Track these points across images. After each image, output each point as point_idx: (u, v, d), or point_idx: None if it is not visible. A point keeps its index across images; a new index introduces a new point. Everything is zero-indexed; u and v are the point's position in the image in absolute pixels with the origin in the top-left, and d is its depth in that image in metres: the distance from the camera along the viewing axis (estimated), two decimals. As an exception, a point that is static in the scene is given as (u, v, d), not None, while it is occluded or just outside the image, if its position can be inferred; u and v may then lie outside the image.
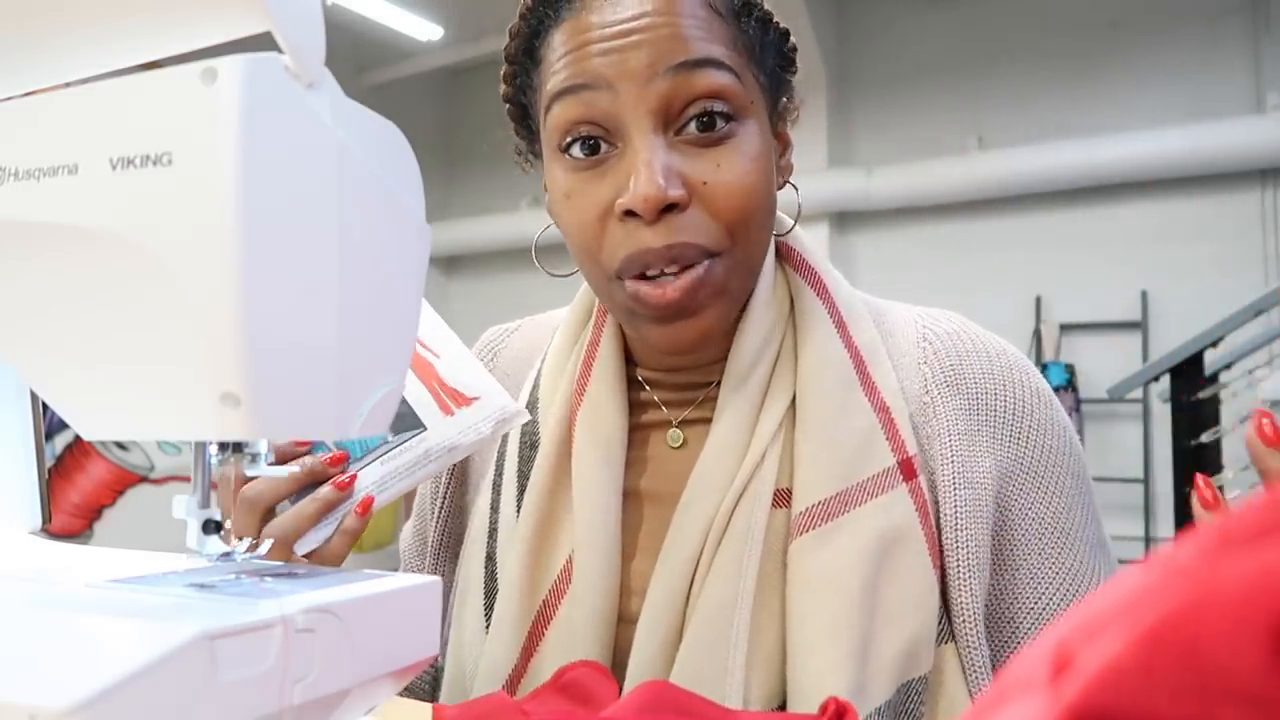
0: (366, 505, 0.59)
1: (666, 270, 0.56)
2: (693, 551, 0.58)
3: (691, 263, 0.56)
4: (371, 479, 0.61)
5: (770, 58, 0.62)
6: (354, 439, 0.60)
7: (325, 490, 0.59)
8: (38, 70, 0.37)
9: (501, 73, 0.65)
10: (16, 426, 0.49)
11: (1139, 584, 0.16)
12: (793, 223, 0.67)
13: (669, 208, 0.55)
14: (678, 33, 0.55)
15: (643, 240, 0.55)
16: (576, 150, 0.58)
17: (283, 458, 0.60)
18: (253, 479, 0.58)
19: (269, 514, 0.59)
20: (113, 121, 0.32)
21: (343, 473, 0.60)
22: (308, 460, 0.59)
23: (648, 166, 0.54)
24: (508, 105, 0.67)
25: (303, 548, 0.58)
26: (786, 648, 0.55)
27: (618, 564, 0.60)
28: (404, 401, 0.62)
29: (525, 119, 0.66)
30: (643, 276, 0.57)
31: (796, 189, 0.67)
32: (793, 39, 0.64)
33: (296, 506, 0.58)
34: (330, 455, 0.60)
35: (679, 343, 0.59)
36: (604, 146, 0.57)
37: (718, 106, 0.56)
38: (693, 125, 0.56)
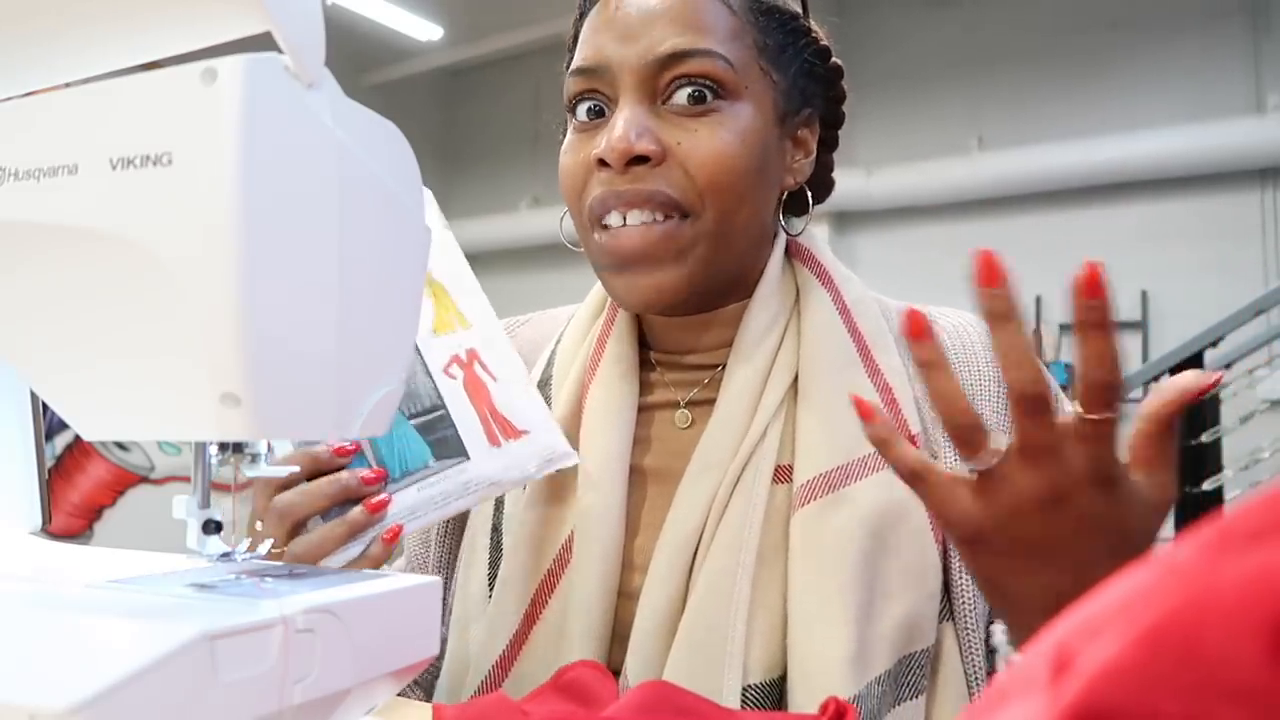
0: (395, 534, 0.58)
1: (629, 216, 0.60)
2: (694, 527, 0.59)
3: (658, 211, 0.59)
4: (405, 505, 0.58)
5: (795, 64, 0.64)
6: (395, 454, 0.60)
7: (356, 513, 0.57)
8: (38, 70, 0.37)
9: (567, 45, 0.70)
10: (16, 426, 0.49)
11: (1139, 583, 0.16)
12: (803, 225, 0.69)
13: (640, 160, 0.59)
14: (676, 25, 0.60)
15: (610, 184, 0.60)
16: (582, 112, 0.63)
17: (322, 468, 0.58)
18: (315, 470, 0.58)
19: (299, 527, 0.57)
20: (113, 121, 0.32)
21: (377, 493, 0.58)
22: (344, 476, 0.57)
23: (625, 123, 0.59)
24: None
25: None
26: (788, 617, 0.56)
27: (620, 537, 0.61)
28: (452, 424, 0.60)
29: None
30: (604, 227, 0.61)
31: (808, 189, 0.69)
32: (835, 60, 0.67)
33: (325, 527, 0.56)
34: (366, 474, 0.58)
35: (636, 295, 0.61)
36: (606, 111, 0.63)
37: (706, 83, 0.60)
38: (683, 96, 0.60)
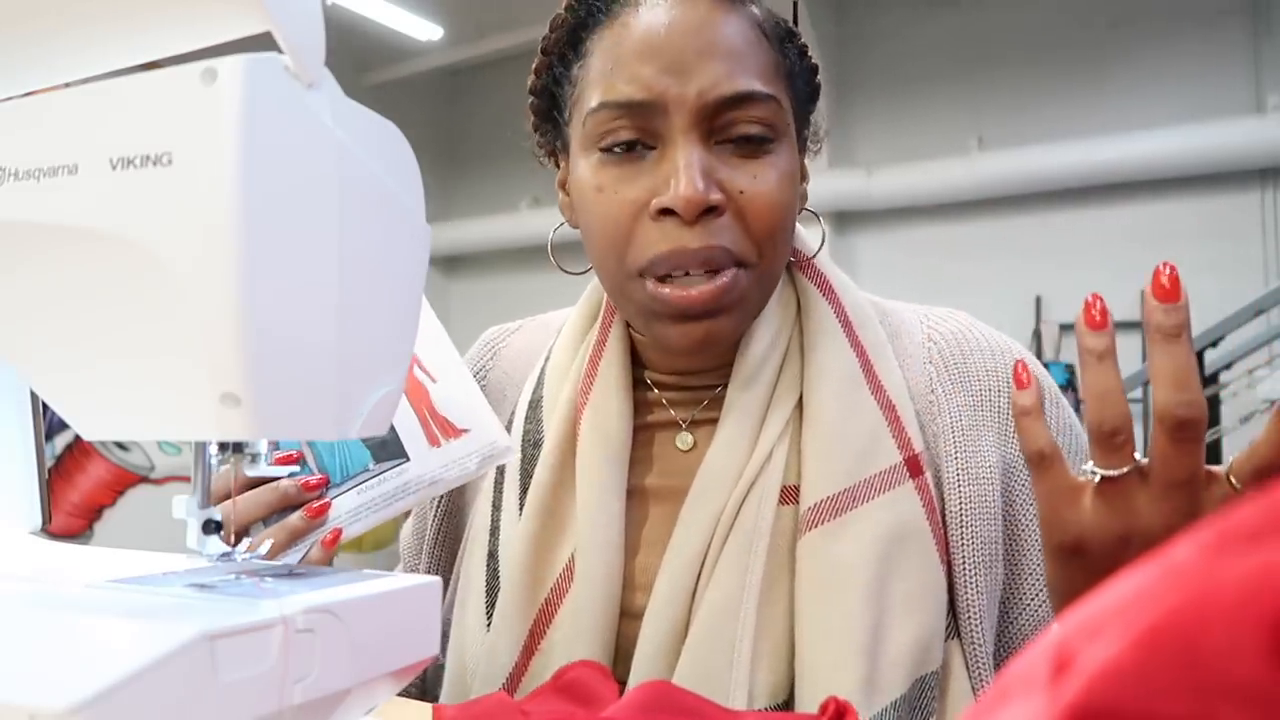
0: (335, 538, 0.58)
1: (692, 272, 0.57)
2: (700, 547, 0.58)
3: (720, 267, 0.57)
4: (345, 509, 0.59)
5: (802, 86, 0.63)
6: (336, 459, 0.60)
7: (295, 518, 0.57)
8: (38, 70, 0.37)
9: (534, 64, 0.65)
10: (16, 426, 0.49)
11: (1139, 583, 0.16)
12: (818, 246, 0.68)
13: (707, 211, 0.56)
14: (728, 59, 0.57)
15: (680, 240, 0.56)
16: (614, 146, 0.59)
17: (260, 479, 0.58)
18: (254, 480, 0.58)
19: (242, 535, 0.57)
20: (113, 121, 0.32)
21: (318, 499, 0.58)
22: (284, 483, 0.58)
23: (689, 169, 0.56)
24: (532, 98, 0.67)
25: None
26: (795, 642, 0.56)
27: (620, 561, 0.60)
28: (391, 427, 0.59)
29: (552, 111, 0.66)
30: (664, 278, 0.58)
31: (819, 217, 0.69)
32: (819, 78, 0.66)
33: (264, 533, 0.57)
34: (307, 480, 0.58)
35: (693, 343, 0.59)
36: (640, 145, 0.58)
37: (756, 128, 0.58)
38: (736, 137, 0.58)
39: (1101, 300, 0.42)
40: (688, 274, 0.57)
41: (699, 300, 0.57)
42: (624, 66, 0.58)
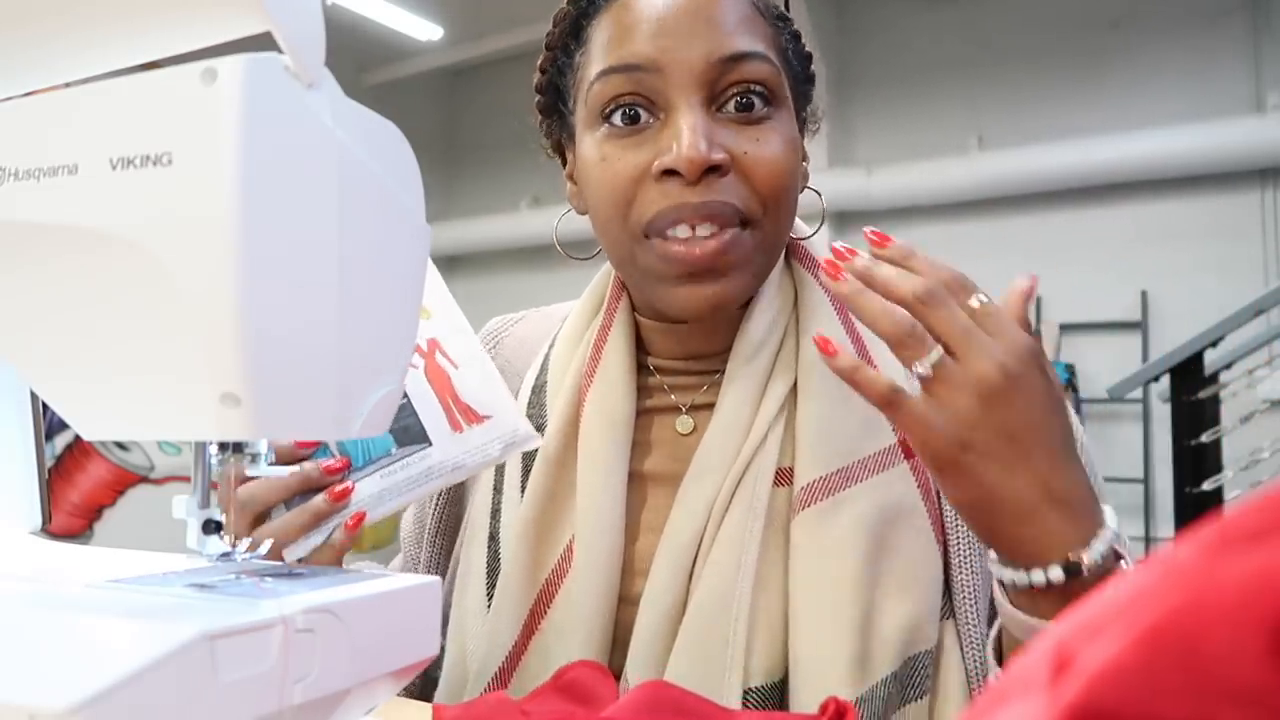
0: (358, 521, 0.58)
1: (698, 229, 0.58)
2: (696, 528, 0.59)
3: (725, 224, 0.58)
4: (368, 492, 0.59)
5: (798, 66, 0.65)
6: (359, 443, 0.60)
7: (318, 501, 0.57)
8: (38, 70, 0.37)
9: (539, 60, 0.67)
10: (16, 426, 0.49)
11: (1139, 584, 0.16)
12: (813, 230, 0.69)
13: (710, 170, 0.57)
14: (726, 27, 0.58)
15: (682, 196, 0.57)
16: (617, 118, 0.60)
17: (284, 459, 0.58)
18: (253, 479, 0.58)
19: (263, 517, 0.58)
20: (113, 121, 0.32)
21: (340, 481, 0.58)
22: (306, 465, 0.58)
23: (691, 130, 0.56)
24: (539, 94, 0.68)
25: (290, 556, 0.57)
26: (789, 621, 0.56)
27: (620, 544, 0.61)
28: (413, 413, 0.60)
29: (557, 104, 0.67)
30: (669, 238, 0.59)
31: (819, 194, 0.69)
32: (813, 68, 0.67)
33: (287, 516, 0.57)
34: (329, 463, 0.59)
35: (700, 304, 0.59)
36: (644, 116, 0.59)
37: (757, 89, 0.59)
38: (732, 104, 0.59)
39: (836, 259, 0.49)
40: (693, 232, 0.58)
41: (704, 257, 0.57)
42: (623, 35, 0.59)
